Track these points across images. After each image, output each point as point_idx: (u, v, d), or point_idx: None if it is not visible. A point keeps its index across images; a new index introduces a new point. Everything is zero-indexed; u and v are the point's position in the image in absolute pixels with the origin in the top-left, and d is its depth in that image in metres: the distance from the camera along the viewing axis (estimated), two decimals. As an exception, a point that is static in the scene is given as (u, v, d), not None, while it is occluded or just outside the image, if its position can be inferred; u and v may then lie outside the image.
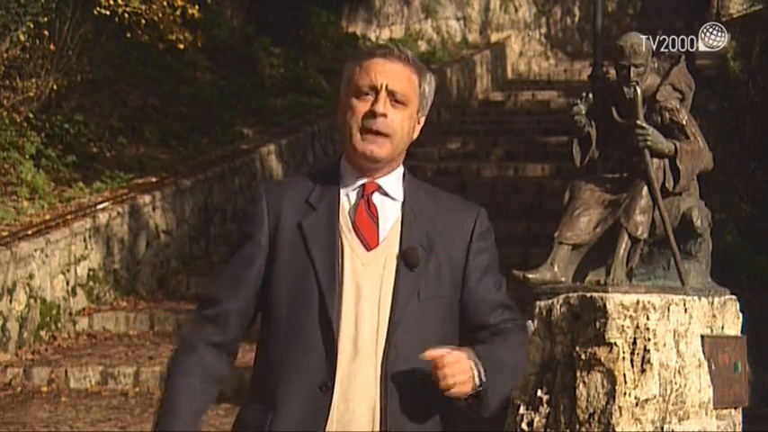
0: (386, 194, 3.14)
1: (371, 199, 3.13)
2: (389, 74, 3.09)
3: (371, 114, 3.07)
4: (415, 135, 3.18)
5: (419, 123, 3.18)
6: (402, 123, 3.10)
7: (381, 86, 3.07)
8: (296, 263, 3.07)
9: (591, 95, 6.24)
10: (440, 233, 3.12)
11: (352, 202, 3.13)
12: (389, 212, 3.13)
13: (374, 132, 3.07)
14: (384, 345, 3.02)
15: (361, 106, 3.08)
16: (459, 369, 2.94)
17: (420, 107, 3.16)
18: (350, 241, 3.08)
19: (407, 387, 3.01)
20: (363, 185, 3.13)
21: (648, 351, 5.51)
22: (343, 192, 3.14)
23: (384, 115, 3.06)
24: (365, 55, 3.14)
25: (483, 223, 3.19)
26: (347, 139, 3.11)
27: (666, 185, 6.01)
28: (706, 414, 5.77)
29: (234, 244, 3.19)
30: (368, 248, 3.08)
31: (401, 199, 3.15)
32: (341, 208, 3.12)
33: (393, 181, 3.15)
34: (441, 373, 2.93)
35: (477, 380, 2.97)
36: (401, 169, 3.18)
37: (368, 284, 3.05)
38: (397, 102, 3.09)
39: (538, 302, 5.78)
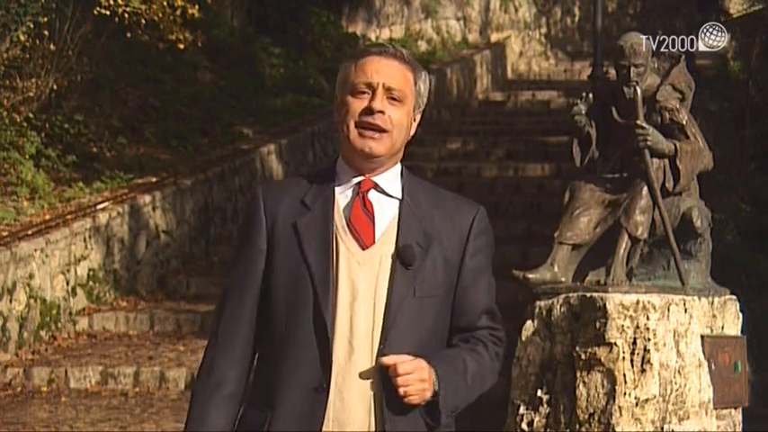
0: (383, 192, 3.14)
1: (367, 196, 3.12)
2: (385, 71, 3.09)
3: (368, 111, 3.07)
4: (412, 132, 3.19)
5: (415, 121, 3.18)
6: (399, 120, 3.10)
7: (378, 84, 3.08)
8: (291, 264, 3.07)
9: (591, 95, 6.24)
10: (437, 231, 3.11)
11: (348, 200, 3.13)
12: (387, 210, 3.12)
13: (372, 128, 3.07)
14: (379, 343, 3.02)
15: (358, 104, 3.08)
16: (414, 379, 2.97)
17: (416, 105, 3.16)
18: (345, 240, 3.08)
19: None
20: (359, 183, 3.13)
21: (648, 351, 5.51)
22: (338, 190, 3.14)
23: (381, 112, 3.07)
24: (360, 53, 3.15)
25: (481, 222, 3.18)
26: (345, 137, 3.11)
27: (666, 185, 6.01)
28: (706, 414, 5.77)
29: (236, 250, 3.22)
30: (363, 247, 3.08)
31: (399, 196, 3.14)
32: (336, 207, 3.11)
33: (390, 179, 3.15)
34: (395, 381, 2.97)
35: (435, 388, 3.00)
36: (399, 167, 3.18)
37: (363, 283, 3.05)
38: (393, 99, 3.09)
39: (538, 302, 5.78)
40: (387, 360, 2.98)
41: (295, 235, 3.08)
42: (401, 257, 3.06)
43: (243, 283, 3.14)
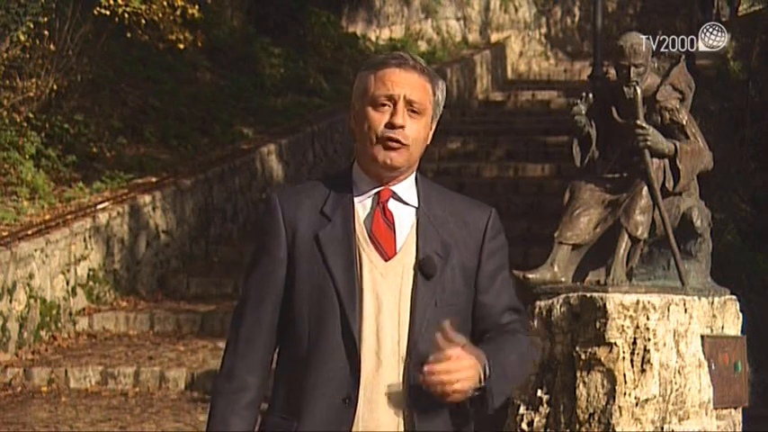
0: (400, 200, 3.15)
1: (387, 206, 3.14)
2: (406, 84, 3.11)
3: (390, 126, 3.09)
4: (429, 141, 3.21)
5: (431, 129, 3.21)
6: (419, 132, 3.13)
7: (399, 97, 3.09)
8: (315, 276, 3.08)
9: (591, 95, 6.24)
10: (454, 237, 3.14)
11: (368, 210, 3.14)
12: (405, 219, 3.14)
13: (393, 141, 3.08)
14: (406, 355, 3.04)
15: (379, 117, 3.10)
16: (462, 365, 2.95)
17: (434, 115, 3.19)
18: (367, 252, 3.09)
19: (430, 394, 3.02)
20: (378, 193, 3.14)
21: (648, 351, 5.51)
22: (357, 200, 3.15)
23: (402, 127, 3.08)
24: (379, 64, 3.15)
25: (495, 225, 3.21)
26: (364, 149, 3.12)
27: (666, 185, 6.01)
28: (706, 414, 5.77)
29: (253, 258, 3.21)
30: (385, 258, 3.09)
31: (416, 204, 3.16)
32: (356, 217, 3.13)
33: (407, 186, 3.17)
34: (442, 366, 2.93)
35: (480, 379, 3.00)
36: (414, 174, 3.20)
37: (387, 295, 3.07)
38: (413, 112, 3.11)
39: (538, 302, 5.78)
40: (447, 353, 2.93)
41: (318, 247, 3.09)
42: (422, 269, 3.08)
43: (262, 290, 3.15)
